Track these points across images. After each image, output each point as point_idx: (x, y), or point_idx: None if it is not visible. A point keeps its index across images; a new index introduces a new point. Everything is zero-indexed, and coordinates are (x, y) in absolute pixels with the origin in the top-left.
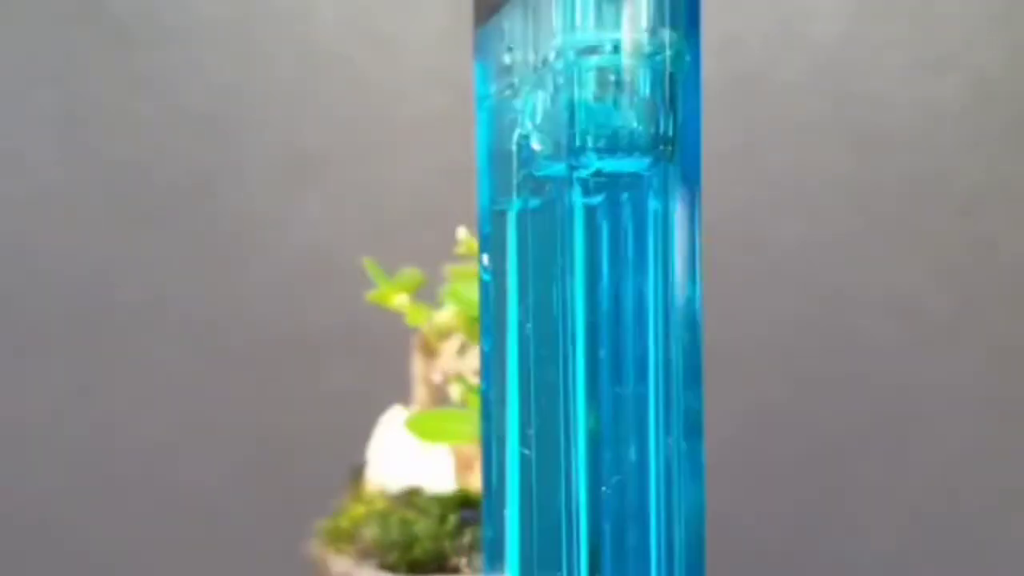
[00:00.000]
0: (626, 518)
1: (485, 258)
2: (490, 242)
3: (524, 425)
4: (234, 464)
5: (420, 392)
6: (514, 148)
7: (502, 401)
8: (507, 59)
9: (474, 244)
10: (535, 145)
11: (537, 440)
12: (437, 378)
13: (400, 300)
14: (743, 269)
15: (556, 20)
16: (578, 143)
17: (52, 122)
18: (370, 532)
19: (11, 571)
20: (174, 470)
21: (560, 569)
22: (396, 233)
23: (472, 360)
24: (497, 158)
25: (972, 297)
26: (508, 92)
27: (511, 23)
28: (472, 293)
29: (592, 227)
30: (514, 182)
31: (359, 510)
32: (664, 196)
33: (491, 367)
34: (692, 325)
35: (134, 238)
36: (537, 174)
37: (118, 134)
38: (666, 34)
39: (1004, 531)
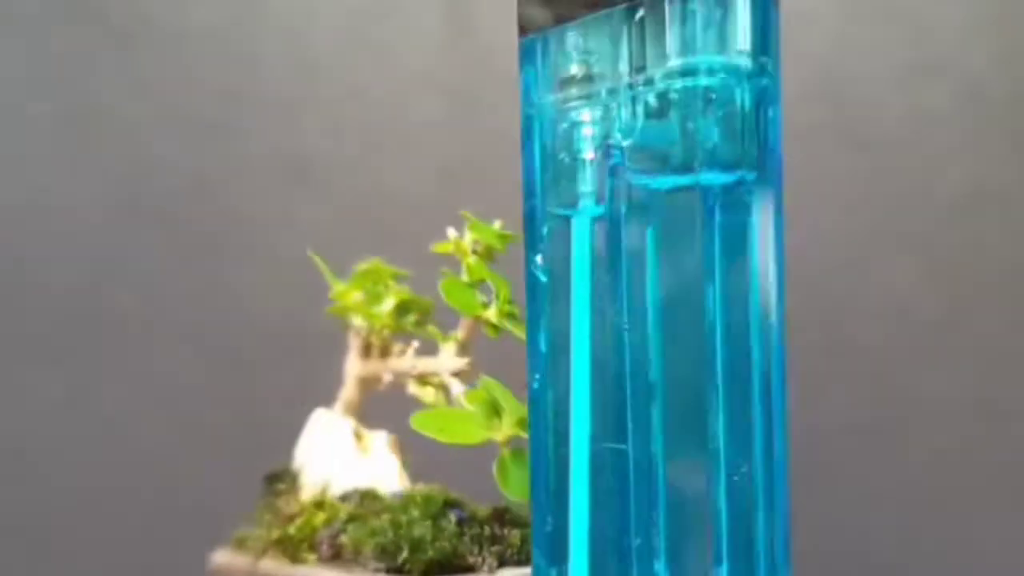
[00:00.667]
0: (749, 506)
1: (539, 258)
2: (547, 245)
3: (601, 422)
4: (232, 465)
5: (350, 392)
6: (587, 157)
7: (564, 399)
8: (575, 71)
9: (463, 244)
10: (629, 158)
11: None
12: (388, 378)
13: (356, 298)
14: None
15: (672, 44)
16: (701, 159)
17: (51, 126)
18: (357, 536)
19: (11, 573)
20: (172, 471)
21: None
22: (392, 236)
23: (448, 361)
24: (552, 164)
25: (962, 299)
26: (575, 102)
27: (585, 38)
28: (466, 295)
29: (712, 235)
30: (586, 189)
31: (318, 516)
32: (760, 206)
33: (548, 366)
34: (780, 327)
35: (133, 241)
36: (635, 183)
37: (117, 138)
38: (763, 60)
39: (993, 531)
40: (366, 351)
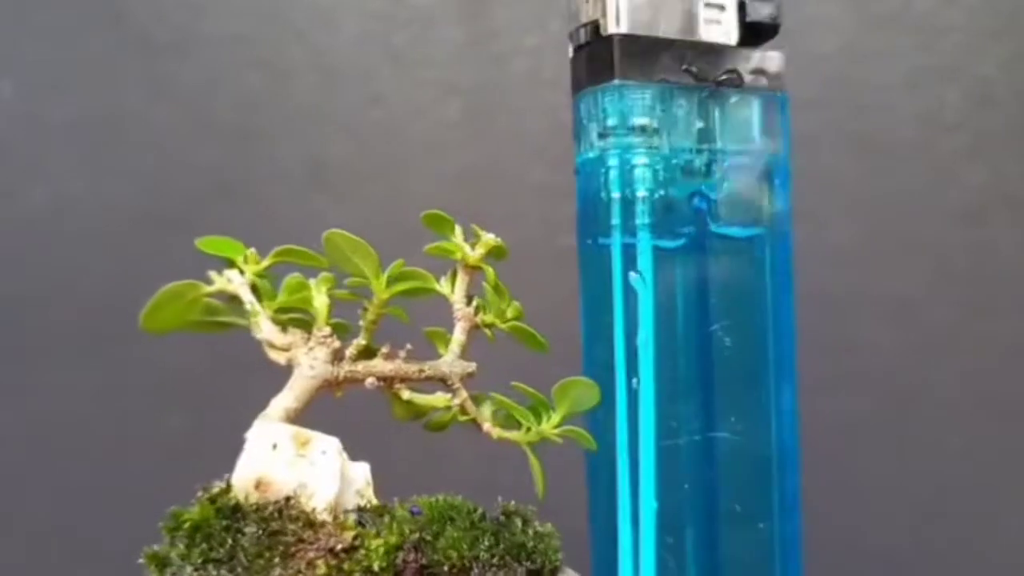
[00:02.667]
0: None
1: (633, 275)
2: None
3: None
4: None
5: (300, 396)
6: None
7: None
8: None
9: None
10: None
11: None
12: (371, 383)
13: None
14: None
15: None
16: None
17: (75, 131)
18: (450, 555)
19: (30, 570)
20: (194, 471)
21: None
22: (413, 240)
23: (458, 364)
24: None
25: (972, 303)
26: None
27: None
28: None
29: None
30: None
31: (375, 542)
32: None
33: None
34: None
35: (156, 245)
36: (717, 231)
37: (141, 143)
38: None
39: (1002, 533)
40: (338, 352)
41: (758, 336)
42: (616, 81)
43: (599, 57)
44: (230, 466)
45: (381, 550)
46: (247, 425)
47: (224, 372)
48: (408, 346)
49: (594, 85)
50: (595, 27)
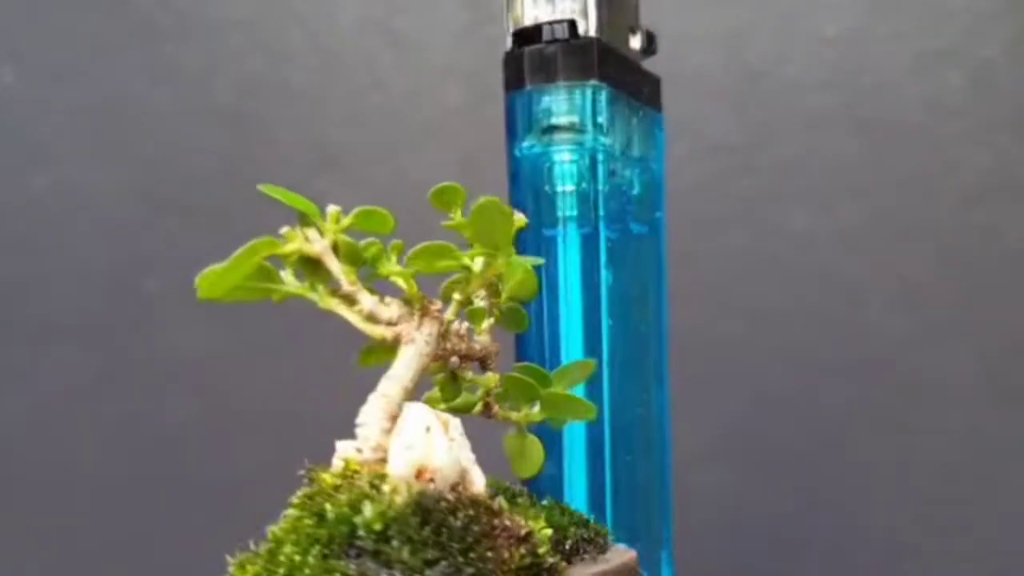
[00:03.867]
0: None
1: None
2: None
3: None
4: (260, 450)
5: (415, 375)
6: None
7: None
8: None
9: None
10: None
11: None
12: (454, 363)
13: None
14: (751, 258)
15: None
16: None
17: (79, 114)
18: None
19: (38, 555)
20: (200, 456)
21: None
22: (415, 225)
23: (492, 344)
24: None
25: (976, 286)
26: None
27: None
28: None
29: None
30: (612, 223)
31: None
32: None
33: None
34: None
35: (158, 230)
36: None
37: (144, 127)
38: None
39: (1005, 517)
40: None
41: (651, 322)
42: (592, 81)
43: (574, 56)
44: (235, 452)
45: (546, 535)
46: (251, 409)
47: (228, 356)
48: (466, 324)
49: (569, 81)
50: (571, 26)
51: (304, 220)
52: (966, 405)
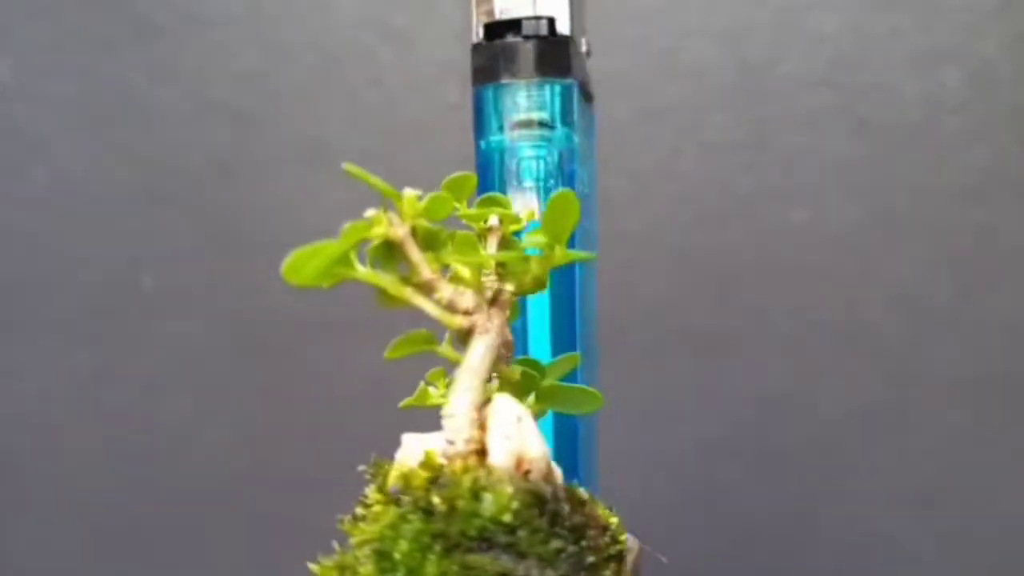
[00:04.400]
0: None
1: None
2: None
3: None
4: (255, 447)
5: (486, 368)
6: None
7: None
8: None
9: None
10: None
11: None
12: (503, 354)
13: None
14: (747, 256)
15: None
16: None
17: (75, 110)
18: None
19: (38, 548)
20: (196, 452)
21: None
22: None
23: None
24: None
25: (974, 285)
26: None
27: (530, 97)
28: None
29: None
30: None
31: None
32: None
33: None
34: None
35: (155, 225)
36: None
37: (140, 122)
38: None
39: (1004, 514)
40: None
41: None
42: (569, 79)
43: (552, 53)
44: (231, 449)
45: (616, 521)
46: (250, 406)
47: (225, 352)
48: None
49: (543, 78)
50: (551, 23)
51: (387, 203)
52: (965, 403)
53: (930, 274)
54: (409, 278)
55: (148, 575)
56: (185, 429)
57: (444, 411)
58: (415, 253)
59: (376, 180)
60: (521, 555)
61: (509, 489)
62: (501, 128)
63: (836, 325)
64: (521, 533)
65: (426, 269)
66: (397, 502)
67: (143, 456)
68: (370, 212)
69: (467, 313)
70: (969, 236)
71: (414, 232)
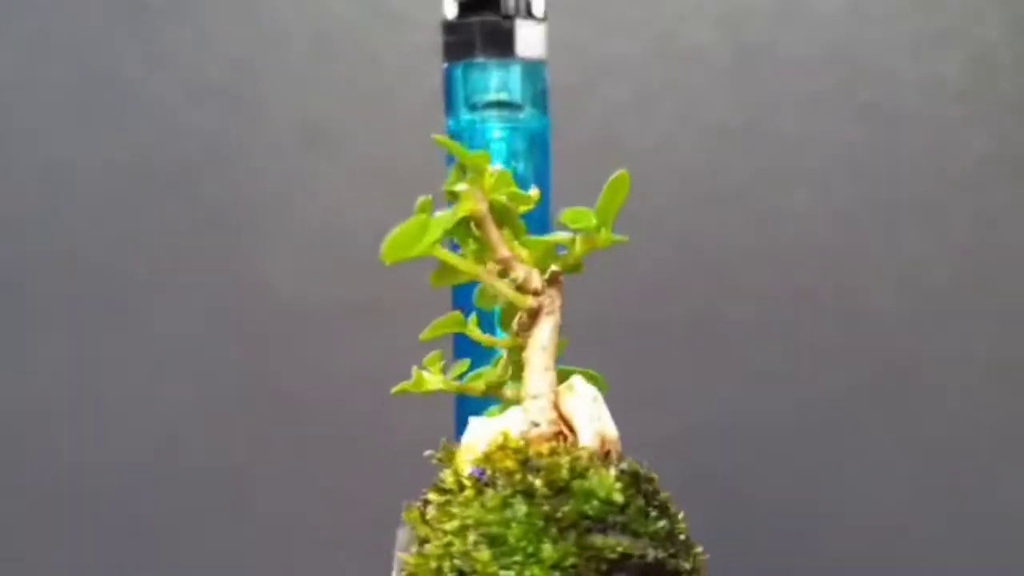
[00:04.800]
0: None
1: None
2: None
3: None
4: (250, 437)
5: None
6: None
7: None
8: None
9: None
10: None
11: None
12: None
13: None
14: (749, 240)
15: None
16: None
17: (67, 95)
18: None
19: (33, 540)
20: (190, 443)
21: None
22: (407, 204)
23: None
24: None
25: (975, 269)
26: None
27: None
28: None
29: None
30: None
31: None
32: None
33: None
34: None
35: (149, 209)
36: None
37: (134, 106)
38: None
39: (1003, 499)
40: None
41: None
42: (544, 60)
43: (531, 33)
44: (228, 437)
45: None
46: (248, 392)
47: (223, 337)
48: None
49: (514, 58)
50: (528, 3)
51: (472, 179)
52: (965, 387)
53: (930, 258)
54: (484, 256)
55: (145, 563)
56: (180, 416)
57: (526, 392)
58: (494, 231)
59: (462, 150)
60: (635, 534)
61: (612, 470)
62: (471, 107)
63: (835, 308)
64: (630, 513)
65: (503, 247)
66: (488, 486)
67: (138, 444)
68: (461, 187)
69: (536, 293)
70: (969, 220)
71: (491, 209)
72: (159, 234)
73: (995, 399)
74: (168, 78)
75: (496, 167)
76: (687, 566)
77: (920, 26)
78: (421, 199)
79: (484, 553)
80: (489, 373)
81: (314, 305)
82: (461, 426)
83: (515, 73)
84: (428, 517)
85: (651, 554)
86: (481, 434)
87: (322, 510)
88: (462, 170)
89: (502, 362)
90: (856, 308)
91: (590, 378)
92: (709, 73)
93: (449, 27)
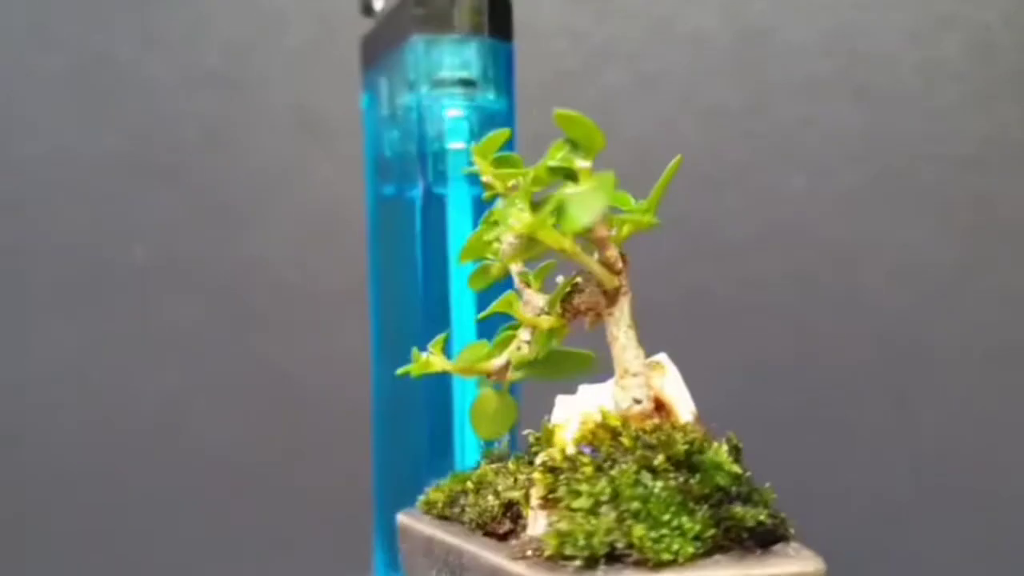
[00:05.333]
0: None
1: None
2: None
3: None
4: (247, 420)
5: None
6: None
7: None
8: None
9: None
10: None
11: None
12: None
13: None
14: (749, 224)
15: None
16: None
17: (63, 80)
18: None
19: (30, 525)
20: (187, 426)
21: None
22: None
23: None
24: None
25: (974, 252)
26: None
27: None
28: None
29: None
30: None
31: None
32: None
33: None
34: None
35: (145, 195)
36: None
37: (129, 92)
38: None
39: (1003, 485)
40: None
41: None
42: (506, 39)
43: (498, 13)
44: (225, 424)
45: None
46: (244, 379)
47: (217, 324)
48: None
49: (477, 35)
50: None
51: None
52: (965, 373)
53: (929, 242)
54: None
55: (140, 550)
56: (177, 402)
57: (624, 369)
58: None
59: (582, 126)
60: (755, 503)
61: (724, 443)
62: (432, 84)
63: (835, 292)
64: (748, 483)
65: (603, 226)
66: (606, 462)
67: (135, 429)
68: (582, 164)
69: (619, 272)
70: (968, 204)
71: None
72: (154, 218)
73: (995, 383)
74: (164, 64)
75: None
76: (792, 531)
77: (920, 10)
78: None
79: (639, 528)
80: (504, 354)
81: (312, 289)
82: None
83: (474, 50)
84: (542, 495)
85: (770, 521)
86: (567, 412)
87: (318, 492)
88: (573, 145)
89: (533, 340)
90: (855, 291)
91: (583, 358)
92: (709, 57)
93: (407, 2)
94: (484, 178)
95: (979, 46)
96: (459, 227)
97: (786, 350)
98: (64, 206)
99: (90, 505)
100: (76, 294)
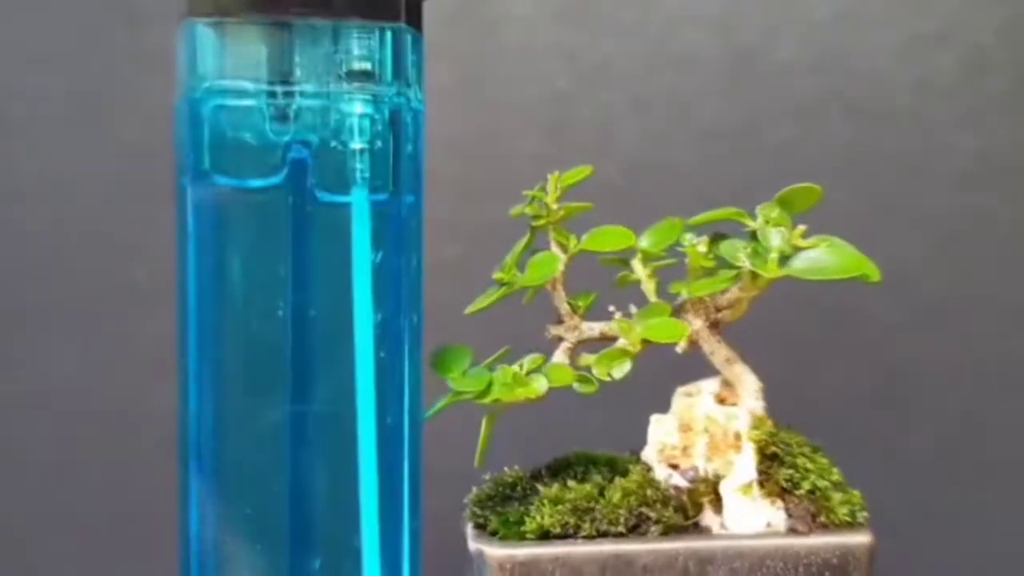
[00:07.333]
0: None
1: None
2: None
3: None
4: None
5: None
6: None
7: None
8: None
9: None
10: None
11: None
12: None
13: None
14: None
15: None
16: None
17: (63, 101)
18: None
19: (34, 537)
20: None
21: None
22: None
23: None
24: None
25: (968, 270)
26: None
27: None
28: None
29: None
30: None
31: None
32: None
33: None
34: None
35: (145, 214)
36: None
37: (129, 112)
38: None
39: (1001, 502)
40: None
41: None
42: (414, 28)
43: None
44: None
45: None
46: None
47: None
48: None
49: (375, 21)
50: None
51: None
52: (959, 388)
53: (923, 259)
54: None
55: (142, 567)
56: (173, 419)
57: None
58: None
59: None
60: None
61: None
62: (337, 77)
63: (827, 309)
64: None
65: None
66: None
67: (134, 449)
68: None
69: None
70: (961, 223)
71: None
72: (154, 238)
73: (989, 399)
74: (164, 81)
75: None
76: None
77: (912, 29)
78: None
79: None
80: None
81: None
82: None
83: (373, 38)
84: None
85: None
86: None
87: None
88: None
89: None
90: (849, 309)
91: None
92: (702, 77)
93: None
94: None
95: (972, 64)
96: (362, 240)
97: (781, 367)
98: (65, 226)
99: (86, 522)
100: (77, 315)
